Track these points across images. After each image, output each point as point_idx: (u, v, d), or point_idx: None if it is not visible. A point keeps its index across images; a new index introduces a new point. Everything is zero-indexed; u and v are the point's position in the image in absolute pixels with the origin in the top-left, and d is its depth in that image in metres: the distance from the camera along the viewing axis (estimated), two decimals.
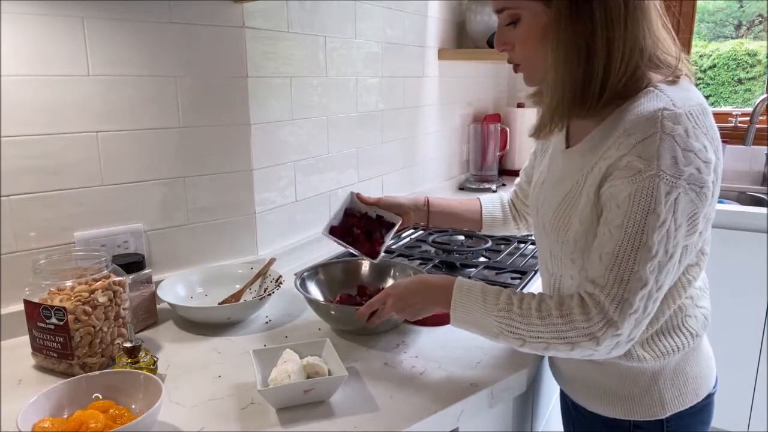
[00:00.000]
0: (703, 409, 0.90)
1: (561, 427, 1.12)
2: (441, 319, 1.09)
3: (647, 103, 0.74)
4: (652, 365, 0.85)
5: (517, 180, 1.19)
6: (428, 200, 1.16)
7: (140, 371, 0.82)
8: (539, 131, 0.86)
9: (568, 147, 0.88)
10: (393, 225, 1.12)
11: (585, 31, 0.74)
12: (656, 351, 0.85)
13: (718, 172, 0.76)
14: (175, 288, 1.16)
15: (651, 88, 0.76)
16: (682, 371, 0.87)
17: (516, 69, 0.87)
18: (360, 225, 1.12)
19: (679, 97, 0.74)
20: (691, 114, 0.73)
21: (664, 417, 0.87)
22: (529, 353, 0.87)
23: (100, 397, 0.78)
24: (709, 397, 0.91)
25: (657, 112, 0.72)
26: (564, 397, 1.04)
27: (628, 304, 0.73)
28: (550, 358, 1.03)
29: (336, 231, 1.10)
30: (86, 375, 0.81)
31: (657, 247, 0.72)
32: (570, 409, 1.01)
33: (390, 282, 1.19)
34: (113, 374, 0.82)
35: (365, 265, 1.22)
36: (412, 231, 1.70)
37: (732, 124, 2.49)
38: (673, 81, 0.78)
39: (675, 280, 0.82)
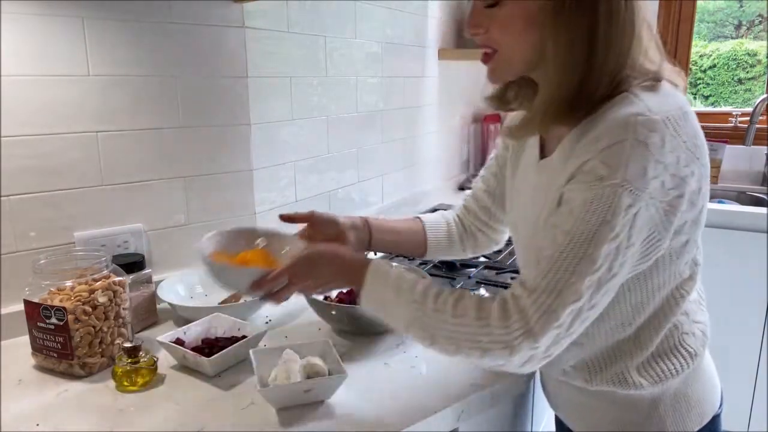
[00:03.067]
0: (710, 430, 0.84)
1: None
2: None
3: (620, 109, 0.68)
4: (649, 391, 0.79)
5: (469, 192, 1.08)
6: (367, 221, 1.02)
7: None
8: (522, 131, 0.78)
9: (542, 158, 0.82)
10: None
11: (586, 25, 0.68)
12: (653, 376, 0.78)
13: (705, 174, 0.71)
14: (175, 288, 1.16)
15: (626, 93, 0.70)
16: (683, 395, 0.81)
17: (487, 58, 0.78)
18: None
19: (656, 103, 0.68)
20: (669, 120, 0.66)
21: None
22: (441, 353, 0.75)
23: (261, 245, 0.92)
24: (715, 419, 0.84)
25: (630, 117, 0.66)
26: (560, 424, 0.98)
27: (554, 316, 0.66)
28: (543, 385, 0.97)
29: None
30: (253, 227, 1.00)
31: (602, 261, 0.65)
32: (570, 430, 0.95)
33: None
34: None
35: None
36: None
37: (732, 124, 2.49)
38: (651, 86, 0.71)
39: (662, 298, 0.77)
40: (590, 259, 0.65)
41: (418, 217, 1.08)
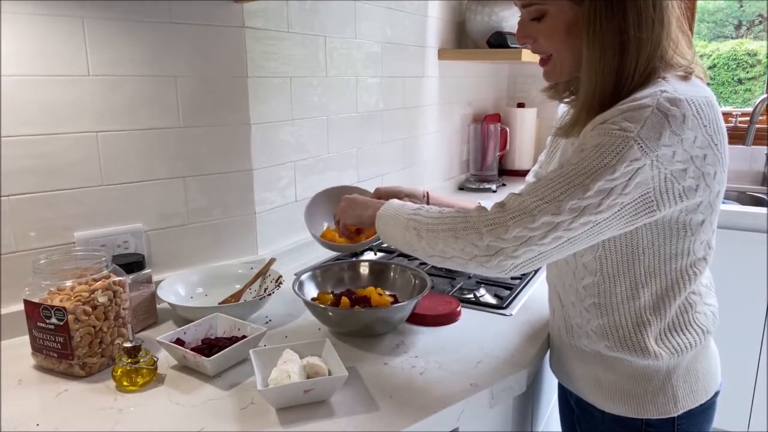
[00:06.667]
0: (711, 407, 0.91)
1: (561, 427, 1.12)
2: (441, 319, 1.09)
3: (650, 88, 0.75)
4: (666, 363, 0.86)
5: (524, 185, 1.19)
6: (428, 194, 1.15)
7: None
8: (571, 129, 0.84)
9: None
10: None
11: (617, 30, 0.75)
12: (670, 348, 0.85)
13: (721, 161, 0.77)
14: (175, 288, 1.16)
15: (659, 80, 0.77)
16: (693, 369, 0.88)
17: (544, 62, 0.88)
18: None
19: (684, 88, 0.75)
20: (692, 102, 0.73)
21: (675, 415, 0.88)
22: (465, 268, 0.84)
23: None
24: (716, 395, 0.92)
25: (656, 92, 0.73)
26: (566, 395, 1.04)
27: (530, 218, 0.73)
28: (554, 354, 1.02)
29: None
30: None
31: (593, 193, 0.71)
32: (573, 408, 1.01)
33: (390, 283, 1.19)
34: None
35: (364, 266, 1.22)
36: None
37: (732, 124, 2.49)
38: (683, 77, 0.79)
39: (676, 270, 0.83)
40: (583, 187, 0.71)
41: (479, 202, 1.19)
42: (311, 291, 1.14)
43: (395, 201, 0.92)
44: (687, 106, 0.72)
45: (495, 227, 0.75)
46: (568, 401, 1.03)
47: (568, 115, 0.94)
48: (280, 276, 1.20)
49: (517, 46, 2.05)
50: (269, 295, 1.11)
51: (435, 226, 0.81)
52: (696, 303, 0.87)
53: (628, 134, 0.71)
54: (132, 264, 1.07)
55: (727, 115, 2.52)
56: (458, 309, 1.12)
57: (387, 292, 1.13)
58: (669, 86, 0.74)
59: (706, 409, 0.90)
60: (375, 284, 1.18)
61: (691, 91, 0.75)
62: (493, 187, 2.33)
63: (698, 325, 0.87)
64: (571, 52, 0.82)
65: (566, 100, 0.95)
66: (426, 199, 1.14)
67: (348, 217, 0.99)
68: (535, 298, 1.22)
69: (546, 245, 0.74)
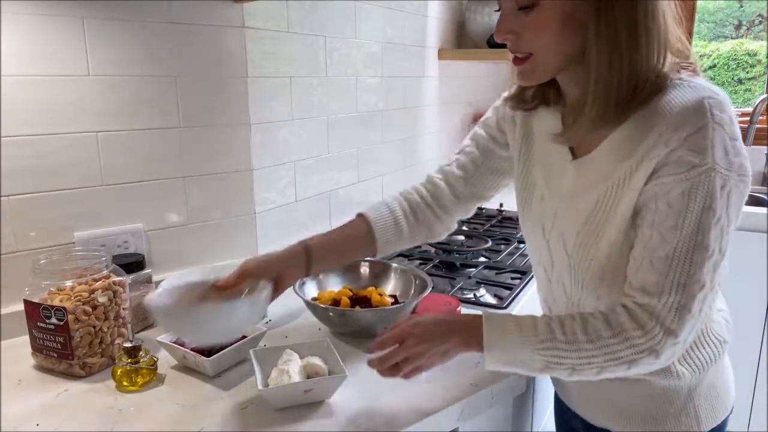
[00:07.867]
0: (728, 420, 0.87)
1: None
2: None
3: (686, 95, 0.69)
4: (688, 381, 0.81)
5: (450, 162, 1.01)
6: (308, 246, 0.92)
7: None
8: (573, 134, 0.76)
9: (575, 157, 0.80)
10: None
11: (632, 21, 0.68)
12: (693, 365, 0.81)
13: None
14: None
15: (678, 81, 0.71)
16: (713, 385, 0.84)
17: (520, 61, 0.75)
18: None
19: (710, 87, 0.70)
20: (726, 102, 0.69)
21: None
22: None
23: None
24: (733, 408, 0.88)
25: (703, 101, 0.68)
26: (568, 418, 0.97)
27: (687, 310, 0.68)
28: (556, 379, 0.97)
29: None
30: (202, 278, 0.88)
31: (713, 245, 0.68)
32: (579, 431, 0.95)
33: (391, 284, 1.19)
34: None
35: (364, 267, 1.22)
36: None
37: None
38: (695, 74, 0.74)
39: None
40: (702, 247, 0.68)
41: (363, 215, 0.98)
42: (311, 291, 1.14)
43: (493, 320, 0.76)
44: (729, 107, 0.69)
45: (666, 339, 0.69)
46: (571, 426, 0.97)
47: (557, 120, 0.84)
48: None
49: None
50: None
51: (593, 359, 0.71)
52: (710, 312, 0.83)
53: (706, 168, 0.67)
54: (132, 264, 1.07)
55: None
56: (458, 309, 1.12)
57: (387, 293, 1.13)
58: (704, 88, 0.69)
59: (725, 423, 0.86)
60: (375, 284, 1.18)
61: (715, 87, 0.71)
62: None
63: (714, 336, 0.82)
64: (558, 51, 0.72)
65: (556, 107, 0.84)
66: (306, 252, 0.92)
67: (428, 358, 0.77)
68: (536, 297, 1.22)
69: (703, 312, 0.71)
